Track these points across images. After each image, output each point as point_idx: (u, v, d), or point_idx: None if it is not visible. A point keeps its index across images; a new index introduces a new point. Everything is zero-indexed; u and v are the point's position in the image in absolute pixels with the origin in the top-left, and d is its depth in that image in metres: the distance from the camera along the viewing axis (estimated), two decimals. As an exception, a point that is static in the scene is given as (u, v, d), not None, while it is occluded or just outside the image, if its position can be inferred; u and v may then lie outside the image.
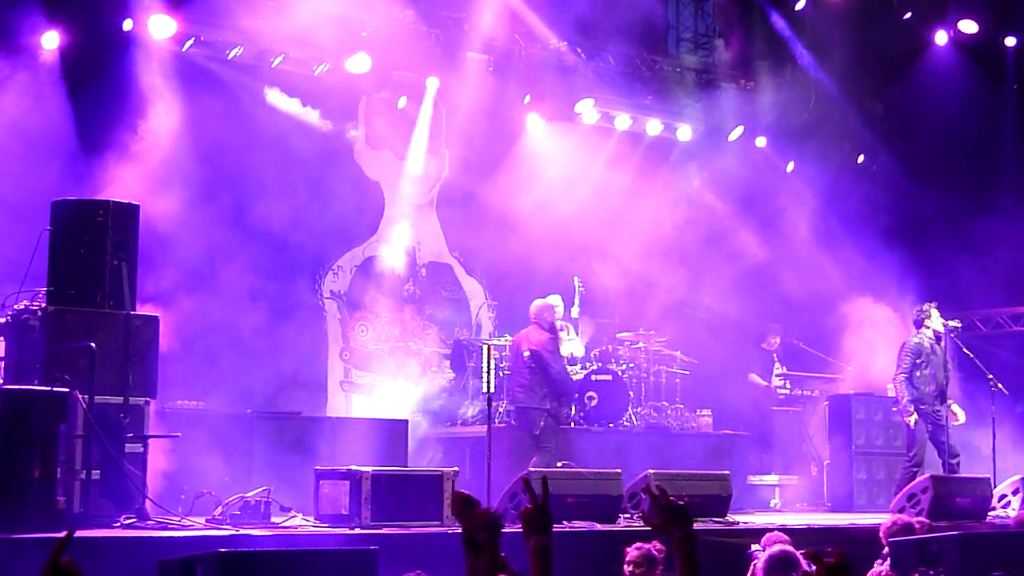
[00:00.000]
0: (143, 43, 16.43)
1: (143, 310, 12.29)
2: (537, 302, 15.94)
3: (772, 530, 11.65)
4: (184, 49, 16.91)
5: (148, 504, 11.44)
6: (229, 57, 17.36)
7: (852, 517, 15.46)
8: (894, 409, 16.53)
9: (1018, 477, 15.09)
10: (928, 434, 15.54)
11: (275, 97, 17.93)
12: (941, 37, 21.40)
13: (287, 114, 18.05)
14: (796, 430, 19.25)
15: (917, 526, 10.87)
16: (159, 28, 16.27)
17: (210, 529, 11.05)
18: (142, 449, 11.70)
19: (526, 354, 15.69)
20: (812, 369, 20.45)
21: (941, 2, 21.11)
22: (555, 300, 17.93)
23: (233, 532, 10.73)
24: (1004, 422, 16.94)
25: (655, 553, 9.37)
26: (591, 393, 17.20)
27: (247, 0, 16.81)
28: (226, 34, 17.17)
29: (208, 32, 17.06)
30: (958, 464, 15.38)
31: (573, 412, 16.66)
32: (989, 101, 21.90)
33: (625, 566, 9.41)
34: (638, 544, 9.48)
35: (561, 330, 18.00)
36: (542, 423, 15.40)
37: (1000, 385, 16.06)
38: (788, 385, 20.10)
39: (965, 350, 16.11)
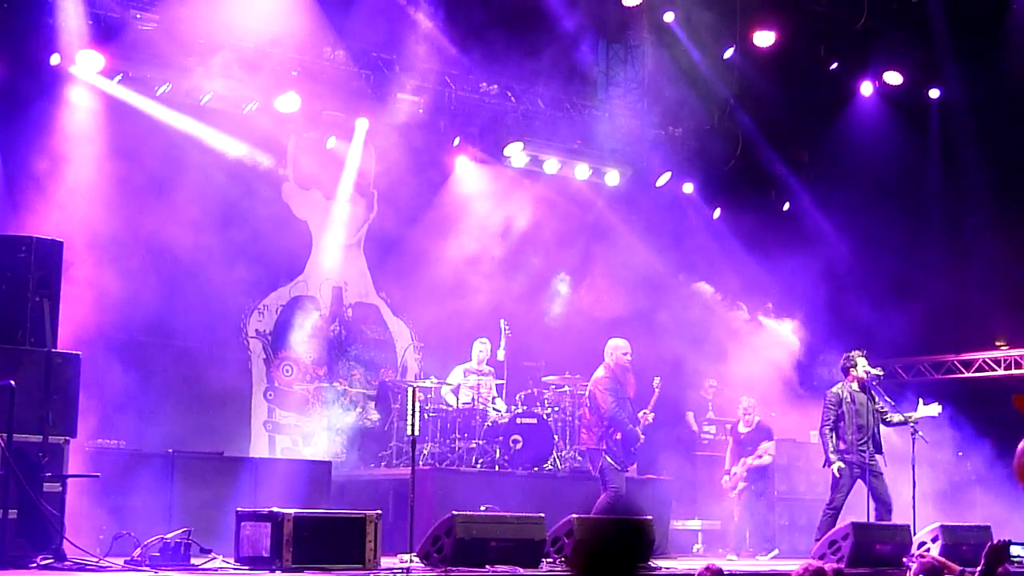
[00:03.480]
0: (71, 78, 16.35)
1: (64, 348, 12.15)
2: (610, 342, 15.67)
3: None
4: (112, 84, 16.81)
5: (66, 544, 11.30)
6: (158, 93, 17.26)
7: (774, 563, 15.51)
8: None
9: (937, 524, 15.17)
10: (863, 481, 15.56)
11: (203, 134, 17.82)
12: (866, 88, 21.66)
13: (215, 152, 17.95)
14: (719, 475, 19.30)
15: (830, 572, 10.86)
16: (87, 63, 16.18)
17: (128, 571, 10.94)
18: (61, 489, 11.55)
19: (585, 393, 15.63)
20: (736, 415, 20.51)
21: (867, 54, 21.36)
22: (482, 343, 18.01)
23: (152, 574, 10.62)
24: (924, 469, 17.07)
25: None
26: (516, 437, 17.17)
27: (177, 37, 16.74)
28: (155, 70, 17.07)
29: (136, 68, 16.94)
30: (888, 512, 15.39)
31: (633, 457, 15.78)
32: (913, 151, 22.18)
33: None
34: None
35: (487, 374, 18.04)
36: (600, 464, 15.12)
37: (921, 433, 16.15)
38: (713, 430, 20.19)
39: (887, 398, 16.19)
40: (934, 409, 16.01)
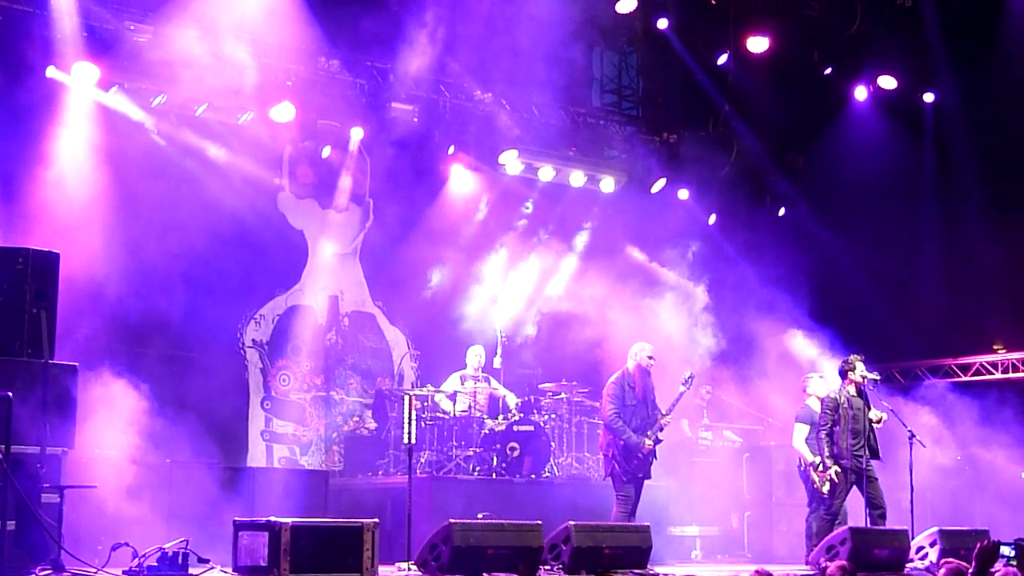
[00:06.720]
0: (66, 89, 16.36)
1: (61, 359, 12.16)
2: (634, 345, 15.30)
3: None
4: (108, 96, 16.83)
5: (64, 555, 11.30)
6: (153, 105, 17.28)
7: (772, 568, 15.46)
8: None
9: (935, 529, 15.15)
10: (858, 487, 15.53)
11: (199, 145, 17.83)
12: (861, 92, 21.66)
13: (211, 162, 17.97)
14: (717, 481, 19.28)
15: (835, 570, 10.75)
16: (82, 75, 16.20)
17: (126, 581, 10.94)
18: (59, 499, 11.57)
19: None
20: (733, 420, 20.51)
21: (860, 58, 21.37)
22: (477, 350, 17.99)
23: (150, 584, 10.62)
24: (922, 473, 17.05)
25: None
26: (513, 444, 17.17)
27: (171, 48, 16.76)
28: (150, 82, 17.08)
29: (132, 79, 16.97)
30: (883, 516, 15.35)
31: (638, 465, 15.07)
32: (908, 156, 22.19)
33: None
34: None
35: (482, 380, 18.04)
36: (610, 469, 15.04)
37: (918, 438, 16.14)
38: (710, 436, 20.16)
39: (884, 403, 16.18)
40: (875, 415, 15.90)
